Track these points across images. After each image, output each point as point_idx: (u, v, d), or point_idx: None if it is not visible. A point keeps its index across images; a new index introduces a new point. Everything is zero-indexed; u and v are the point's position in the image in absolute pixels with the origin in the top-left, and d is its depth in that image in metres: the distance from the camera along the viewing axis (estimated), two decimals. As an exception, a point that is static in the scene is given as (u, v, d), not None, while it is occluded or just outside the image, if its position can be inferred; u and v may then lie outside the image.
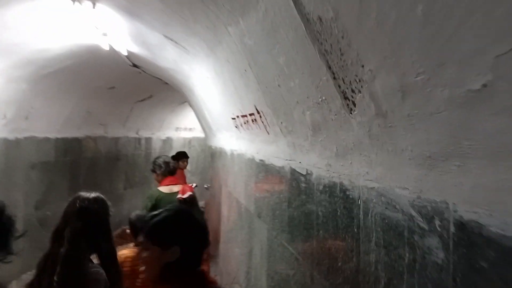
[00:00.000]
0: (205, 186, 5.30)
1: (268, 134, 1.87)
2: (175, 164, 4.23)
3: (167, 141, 8.65)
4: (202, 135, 8.04)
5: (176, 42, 2.50)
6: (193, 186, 4.71)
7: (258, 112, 1.87)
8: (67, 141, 5.62)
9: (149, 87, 5.98)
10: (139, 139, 7.70)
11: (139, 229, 2.52)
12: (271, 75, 1.41)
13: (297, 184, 1.49)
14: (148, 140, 8.00)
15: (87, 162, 6.24)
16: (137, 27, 2.58)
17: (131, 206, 7.55)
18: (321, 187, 1.26)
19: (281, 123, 1.56)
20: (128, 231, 2.89)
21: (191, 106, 5.90)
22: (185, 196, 3.60)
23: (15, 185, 4.39)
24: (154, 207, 3.61)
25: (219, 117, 3.20)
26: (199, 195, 4.90)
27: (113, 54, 3.76)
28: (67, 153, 5.67)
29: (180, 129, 8.99)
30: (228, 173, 3.23)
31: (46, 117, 4.71)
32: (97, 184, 6.38)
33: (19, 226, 1.45)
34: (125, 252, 2.39)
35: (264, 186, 2.02)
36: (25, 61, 3.19)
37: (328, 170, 1.21)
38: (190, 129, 9.24)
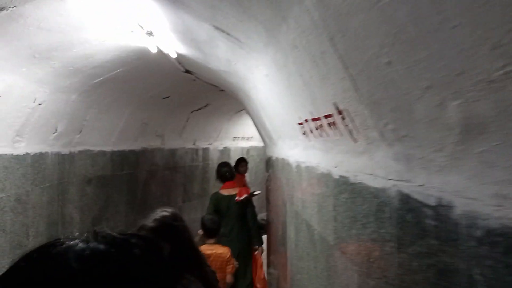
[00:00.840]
0: (256, 192, 5.09)
1: (355, 141, 1.34)
2: (233, 170, 4.97)
3: (225, 151, 8.33)
4: (260, 144, 7.64)
5: (228, 34, 2.06)
6: (255, 193, 4.94)
7: (340, 112, 1.36)
8: (124, 153, 5.45)
9: (204, 95, 5.67)
10: (196, 150, 7.44)
11: (210, 230, 3.29)
12: (375, 48, 0.89)
13: (416, 219, 0.95)
14: (206, 150, 7.72)
15: (144, 175, 6.05)
16: (183, 20, 2.19)
17: (190, 219, 7.27)
18: (478, 233, 0.72)
19: (385, 124, 1.03)
20: (200, 232, 3.32)
21: (248, 113, 5.48)
22: (242, 198, 4.36)
23: (70, 201, 4.22)
24: (216, 207, 4.38)
25: (281, 123, 2.72)
26: (260, 207, 4.67)
27: (164, 60, 3.45)
28: (124, 166, 5.49)
29: (237, 139, 8.64)
30: (294, 189, 2.72)
31: (100, 129, 4.54)
32: (156, 198, 6.18)
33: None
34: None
35: (348, 212, 1.49)
36: (70, 69, 2.94)
37: (499, 206, 0.66)
38: (248, 139, 8.87)
